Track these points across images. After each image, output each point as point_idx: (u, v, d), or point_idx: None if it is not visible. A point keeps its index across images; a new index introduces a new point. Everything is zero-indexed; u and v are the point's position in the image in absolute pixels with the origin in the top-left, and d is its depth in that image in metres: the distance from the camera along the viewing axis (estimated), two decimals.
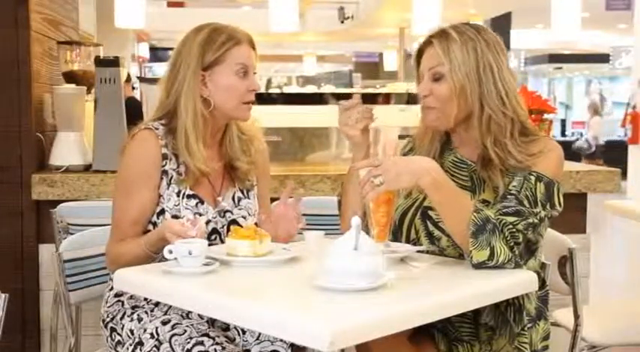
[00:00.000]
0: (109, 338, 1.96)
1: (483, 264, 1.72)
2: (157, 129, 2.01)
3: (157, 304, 1.91)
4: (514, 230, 1.74)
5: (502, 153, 1.84)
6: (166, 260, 1.74)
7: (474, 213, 1.73)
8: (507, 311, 1.82)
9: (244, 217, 2.08)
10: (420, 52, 1.94)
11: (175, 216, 1.98)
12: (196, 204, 2.01)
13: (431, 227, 1.90)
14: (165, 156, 2.00)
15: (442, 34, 1.88)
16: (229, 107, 2.02)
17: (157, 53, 17.15)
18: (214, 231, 2.03)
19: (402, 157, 1.82)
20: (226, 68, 2.01)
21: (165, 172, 2.00)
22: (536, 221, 1.78)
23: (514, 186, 1.80)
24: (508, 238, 1.73)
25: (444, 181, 1.76)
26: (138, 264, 1.86)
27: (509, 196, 1.80)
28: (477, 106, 1.85)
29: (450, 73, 1.85)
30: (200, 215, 1.99)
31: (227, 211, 2.07)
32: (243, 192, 2.11)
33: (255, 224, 2.05)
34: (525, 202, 1.78)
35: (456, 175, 1.93)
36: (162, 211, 1.99)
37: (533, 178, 1.81)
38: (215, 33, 2.02)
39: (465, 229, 1.73)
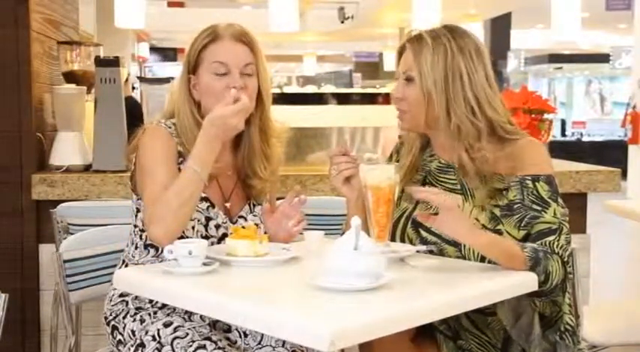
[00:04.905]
0: (111, 336, 1.95)
1: (545, 285, 1.74)
2: (169, 127, 1.98)
3: (160, 307, 1.90)
4: (558, 245, 1.77)
5: (477, 158, 1.83)
6: (167, 260, 1.74)
7: (524, 251, 1.73)
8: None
9: (257, 224, 2.02)
10: (399, 55, 1.93)
11: None
12: (207, 207, 1.97)
13: (424, 233, 1.89)
14: (180, 154, 1.95)
15: (416, 39, 1.88)
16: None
17: (157, 53, 17.17)
18: (225, 236, 1.97)
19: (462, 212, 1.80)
20: (204, 68, 1.97)
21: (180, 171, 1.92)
22: (565, 226, 1.80)
23: (515, 197, 1.82)
24: (561, 254, 1.76)
25: (494, 240, 1.76)
26: (189, 200, 1.81)
27: (515, 206, 1.81)
28: (444, 114, 1.84)
29: (418, 77, 1.85)
30: (210, 219, 1.97)
31: (241, 217, 2.04)
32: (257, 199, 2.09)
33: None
34: (535, 206, 1.80)
35: (444, 180, 1.93)
36: None
37: (529, 182, 1.82)
38: (200, 34, 1.99)
39: (521, 267, 1.73)
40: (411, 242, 1.91)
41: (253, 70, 1.99)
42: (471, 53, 1.85)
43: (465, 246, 1.84)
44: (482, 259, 1.81)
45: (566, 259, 1.77)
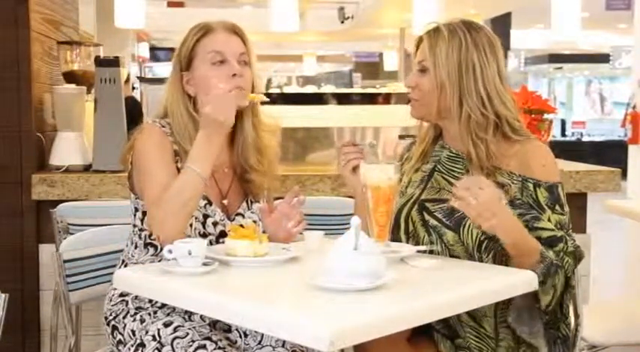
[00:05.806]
0: (111, 336, 1.95)
1: (549, 306, 1.78)
2: (163, 127, 1.98)
3: (160, 307, 1.90)
4: (565, 256, 1.80)
5: (484, 150, 1.87)
6: (166, 259, 1.74)
7: (539, 264, 1.76)
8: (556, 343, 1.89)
9: (255, 221, 2.03)
10: (417, 47, 1.99)
11: None
12: (205, 204, 1.97)
13: (427, 216, 1.92)
14: (176, 153, 1.96)
15: (433, 30, 1.93)
16: None
17: (156, 53, 17.15)
18: (222, 233, 1.98)
19: (502, 203, 1.78)
20: (200, 60, 1.98)
21: (177, 169, 1.93)
22: (566, 236, 1.83)
23: (515, 193, 1.85)
24: (566, 267, 1.79)
25: (523, 242, 1.78)
26: (190, 200, 1.82)
27: (517, 202, 1.84)
28: (456, 103, 1.89)
29: (432, 67, 1.90)
30: (208, 216, 1.97)
31: (239, 214, 2.04)
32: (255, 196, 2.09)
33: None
34: (531, 209, 1.83)
35: (453, 169, 1.95)
36: None
37: (530, 185, 1.86)
38: (191, 31, 2.01)
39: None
40: (414, 224, 1.94)
41: (247, 59, 2.01)
42: (484, 48, 1.90)
43: (463, 231, 1.86)
44: (480, 245, 1.84)
45: (569, 275, 1.80)
